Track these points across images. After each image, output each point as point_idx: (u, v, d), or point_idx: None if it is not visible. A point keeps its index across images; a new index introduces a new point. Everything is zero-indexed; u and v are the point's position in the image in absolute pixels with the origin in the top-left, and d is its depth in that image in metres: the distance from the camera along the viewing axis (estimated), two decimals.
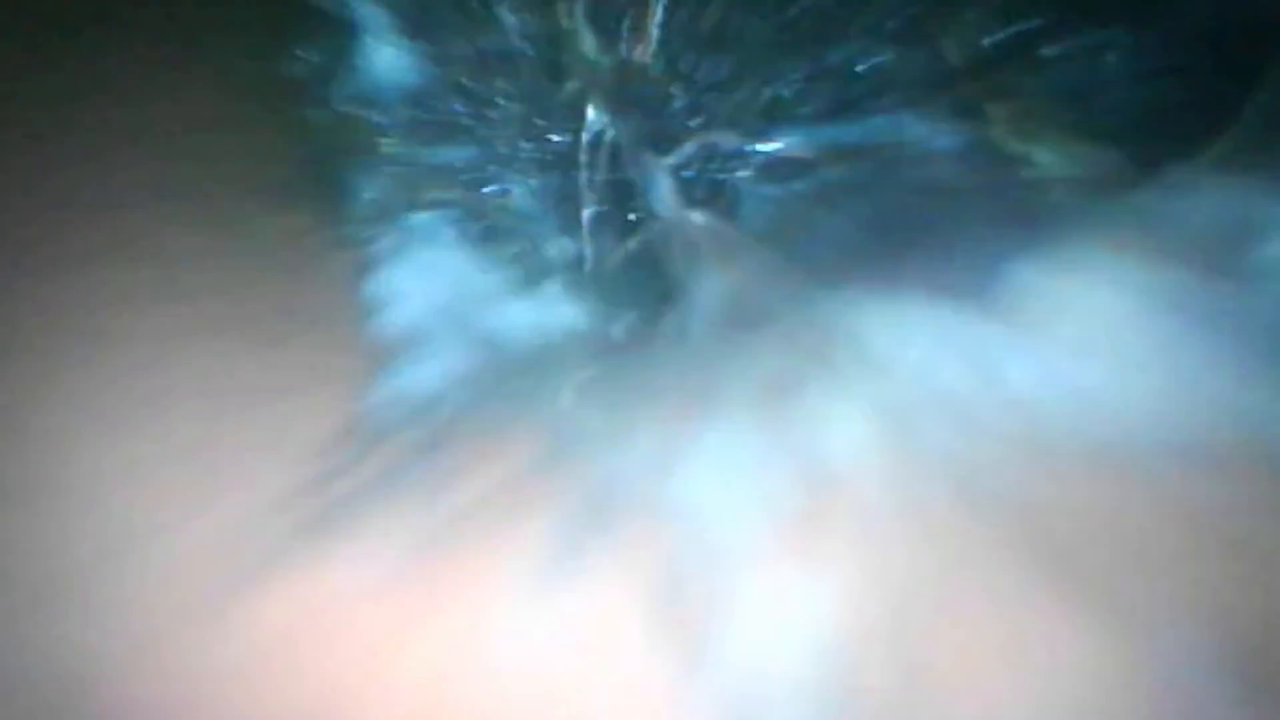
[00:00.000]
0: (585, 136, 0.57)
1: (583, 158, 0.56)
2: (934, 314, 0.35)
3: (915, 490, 0.33)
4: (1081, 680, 0.35)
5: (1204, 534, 0.35)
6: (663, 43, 0.62)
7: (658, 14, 0.63)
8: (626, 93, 0.60)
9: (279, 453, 0.56)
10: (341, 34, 0.77)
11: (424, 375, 0.53)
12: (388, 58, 0.70)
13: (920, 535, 0.36)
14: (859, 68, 0.56)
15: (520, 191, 0.65)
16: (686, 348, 0.43)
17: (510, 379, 0.50)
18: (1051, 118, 0.45)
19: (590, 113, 0.56)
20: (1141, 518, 0.35)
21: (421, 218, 0.64)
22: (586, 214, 0.55)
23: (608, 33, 0.59)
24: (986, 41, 0.51)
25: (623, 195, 0.58)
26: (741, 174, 0.62)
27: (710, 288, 0.45)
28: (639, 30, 0.63)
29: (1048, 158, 0.41)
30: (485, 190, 0.66)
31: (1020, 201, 0.40)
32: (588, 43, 0.56)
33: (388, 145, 0.68)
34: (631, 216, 0.58)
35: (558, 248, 0.61)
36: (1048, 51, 0.45)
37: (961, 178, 0.44)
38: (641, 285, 0.55)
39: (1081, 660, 0.34)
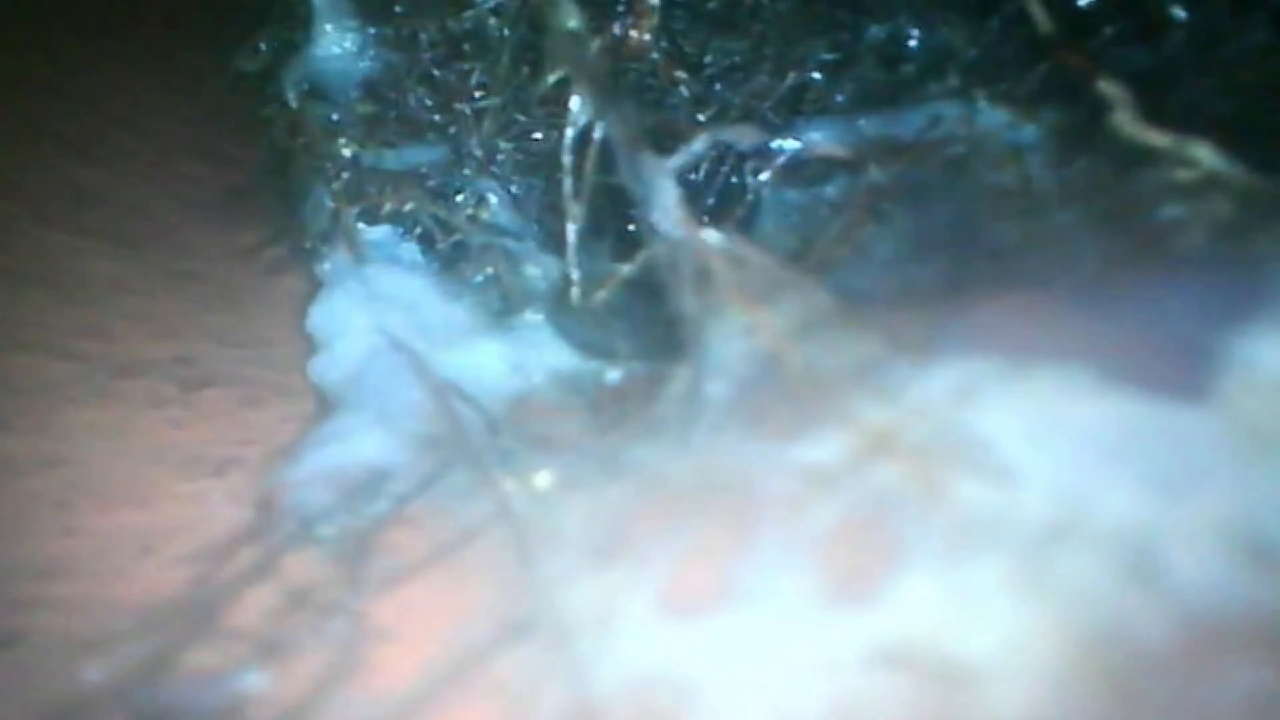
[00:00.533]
0: (571, 133, 0.45)
1: (566, 159, 0.44)
2: (1066, 388, 0.23)
3: None
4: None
5: None
6: (665, 18, 0.51)
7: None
8: (620, 79, 0.49)
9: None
10: (294, 20, 0.66)
11: (361, 445, 0.42)
12: (344, 44, 0.59)
13: None
14: (911, 42, 0.45)
15: (496, 200, 0.54)
16: (701, 429, 0.31)
17: (473, 455, 0.39)
18: (1178, 103, 0.34)
19: (574, 103, 0.45)
20: None
21: (378, 232, 0.53)
22: (572, 229, 0.44)
23: (597, 5, 0.48)
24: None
25: (617, 205, 0.47)
26: (762, 177, 0.51)
27: (729, 336, 0.33)
28: (636, 3, 0.51)
29: (1195, 153, 0.29)
30: (455, 198, 0.55)
31: (1163, 216, 0.28)
32: (572, 17, 0.45)
33: (343, 145, 0.57)
34: (628, 231, 0.47)
35: (539, 269, 0.50)
36: (1178, 11, 0.34)
37: (1064, 181, 0.33)
38: (641, 320, 0.43)
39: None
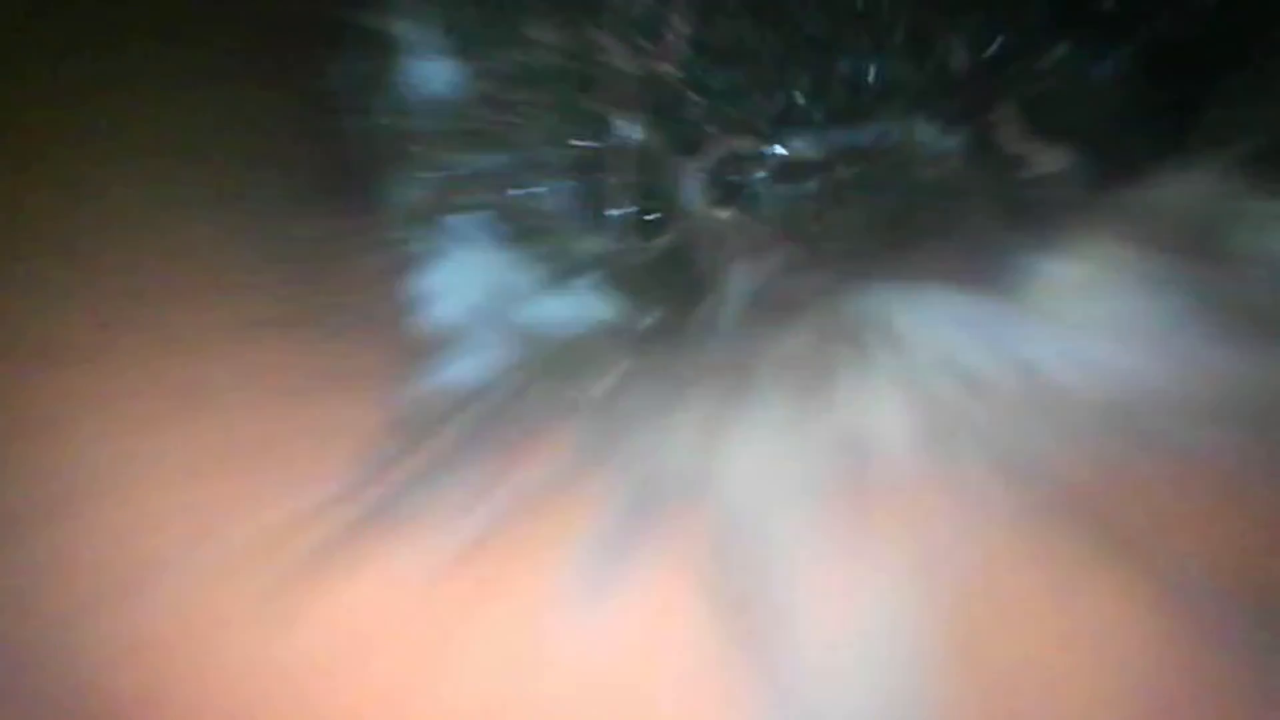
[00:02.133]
0: (613, 142, 0.61)
1: (611, 161, 0.60)
2: (952, 300, 0.39)
3: (950, 464, 0.36)
4: (1130, 642, 0.38)
5: (1223, 493, 0.38)
6: (684, 57, 0.66)
7: (679, 27, 0.67)
8: (651, 101, 0.64)
9: (323, 450, 0.60)
10: (381, 49, 0.81)
11: (465, 369, 0.57)
12: (424, 72, 0.74)
13: (960, 508, 0.39)
14: (868, 76, 0.60)
15: (549, 194, 0.69)
16: (718, 338, 0.48)
17: (549, 372, 0.54)
18: (1045, 121, 0.49)
19: (619, 121, 0.60)
20: (1166, 478, 0.38)
21: (456, 220, 0.69)
22: (615, 214, 0.60)
23: (634, 46, 0.64)
24: (987, 51, 0.56)
25: (651, 196, 0.62)
26: (758, 175, 0.66)
27: (738, 280, 0.49)
28: (661, 42, 0.67)
29: (1045, 158, 0.45)
30: (516, 193, 0.70)
31: (1023, 197, 0.44)
32: (617, 56, 0.61)
33: (423, 153, 0.72)
34: (658, 215, 0.62)
35: (587, 246, 0.65)
36: (1042, 61, 0.50)
37: (967, 177, 0.49)
38: (670, 280, 0.59)
39: (1128, 623, 0.37)
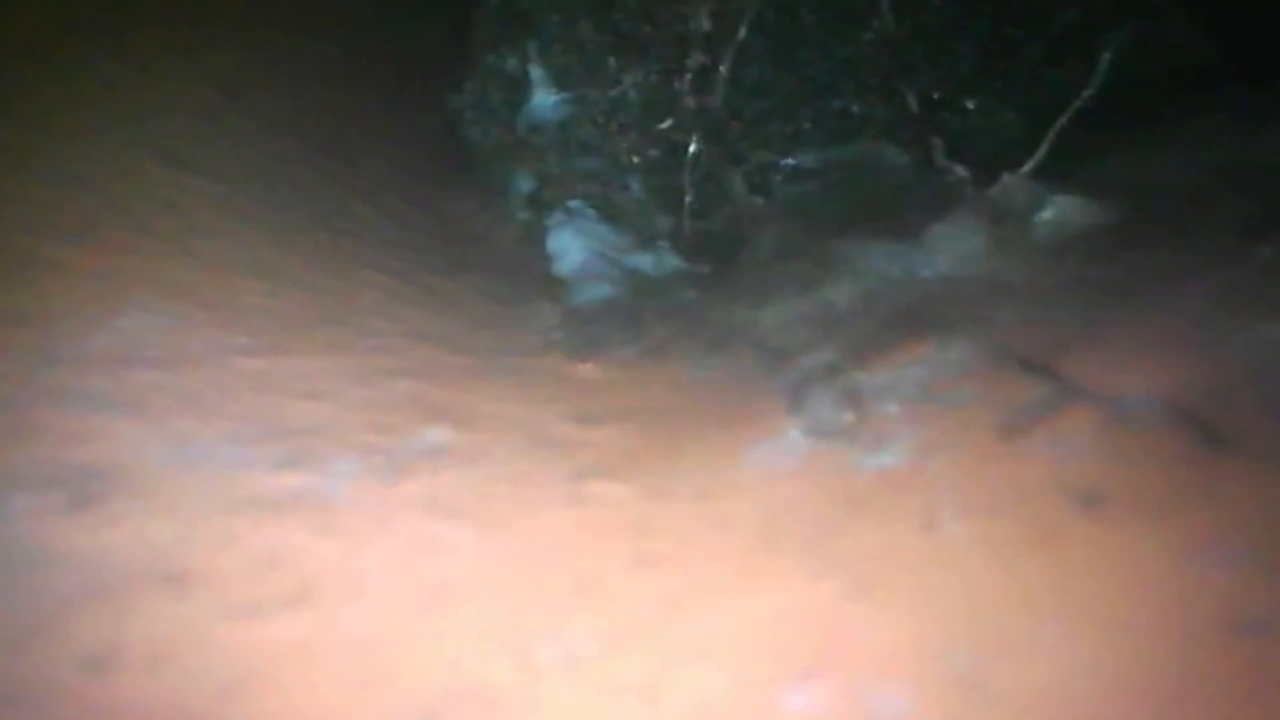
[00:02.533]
0: (679, 153, 0.93)
1: (677, 166, 0.92)
2: (893, 247, 0.69)
3: (881, 318, 0.68)
4: None
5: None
6: (726, 95, 0.99)
7: (723, 74, 0.99)
8: (704, 126, 0.97)
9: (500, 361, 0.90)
10: (500, 80, 1.13)
11: (586, 298, 0.89)
12: (543, 99, 1.05)
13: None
14: (853, 111, 0.93)
15: (635, 187, 1.00)
16: (749, 274, 0.79)
17: (640, 299, 0.86)
18: (960, 147, 0.82)
19: (682, 138, 0.93)
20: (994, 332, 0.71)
21: (574, 203, 1.01)
22: (687, 199, 0.92)
23: (693, 87, 0.96)
24: (935, 95, 0.88)
25: (705, 189, 0.94)
26: (777, 177, 0.98)
27: (763, 240, 0.81)
28: (710, 86, 0.99)
29: (959, 170, 0.78)
30: (611, 188, 1.02)
31: (944, 193, 0.76)
32: (681, 93, 0.93)
33: (544, 156, 1.04)
34: (711, 201, 0.95)
35: (662, 221, 0.97)
36: (962, 107, 0.83)
37: (913, 180, 0.81)
38: (719, 242, 0.91)
39: None
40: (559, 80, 1.05)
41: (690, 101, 0.99)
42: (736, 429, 0.54)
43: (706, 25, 0.94)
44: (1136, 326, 0.53)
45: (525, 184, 1.07)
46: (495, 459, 0.57)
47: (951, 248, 0.68)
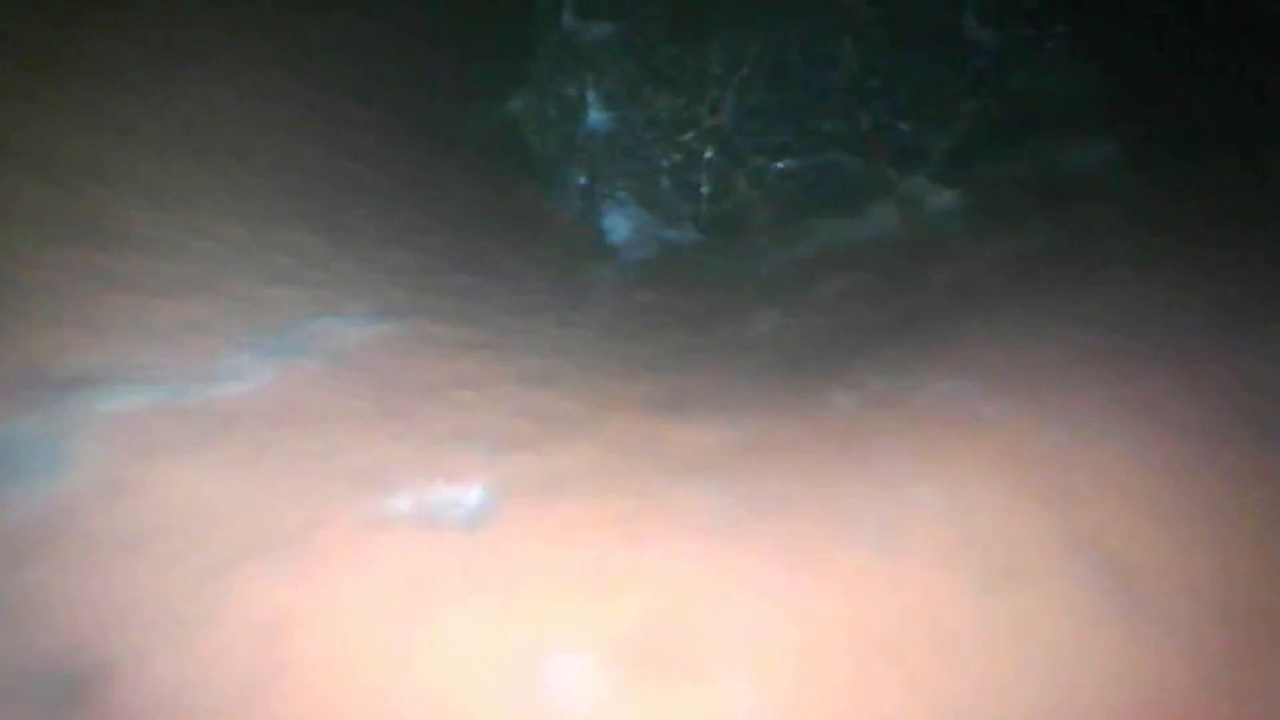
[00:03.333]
0: (698, 157, 1.30)
1: (697, 166, 1.29)
2: (841, 222, 1.06)
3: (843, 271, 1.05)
4: None
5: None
6: (732, 116, 1.35)
7: (730, 99, 1.36)
8: (717, 138, 1.33)
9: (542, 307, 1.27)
10: (573, 106, 1.50)
11: (627, 262, 1.25)
12: (596, 116, 1.41)
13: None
14: (826, 128, 1.29)
15: (667, 183, 1.36)
16: (748, 242, 1.16)
17: (671, 265, 1.22)
18: (897, 156, 1.19)
19: (700, 147, 1.29)
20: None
21: (620, 194, 1.37)
22: (703, 191, 1.28)
23: (708, 109, 1.33)
24: (883, 119, 1.25)
25: (717, 184, 1.31)
26: (770, 176, 1.35)
27: (757, 220, 1.17)
28: (720, 108, 1.36)
29: (893, 174, 1.14)
30: (645, 182, 1.37)
31: (880, 188, 1.12)
32: (699, 113, 1.29)
33: (596, 159, 1.40)
34: (721, 192, 1.31)
35: (685, 207, 1.33)
36: (904, 125, 1.19)
37: (862, 179, 1.18)
38: (727, 222, 1.27)
39: None
40: (608, 103, 1.42)
41: (706, 120, 1.36)
42: (731, 314, 0.90)
43: (718, 67, 1.31)
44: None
45: (579, 180, 1.43)
46: (592, 345, 0.93)
47: (878, 222, 1.04)
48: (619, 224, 1.30)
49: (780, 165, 1.36)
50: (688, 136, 1.36)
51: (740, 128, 1.37)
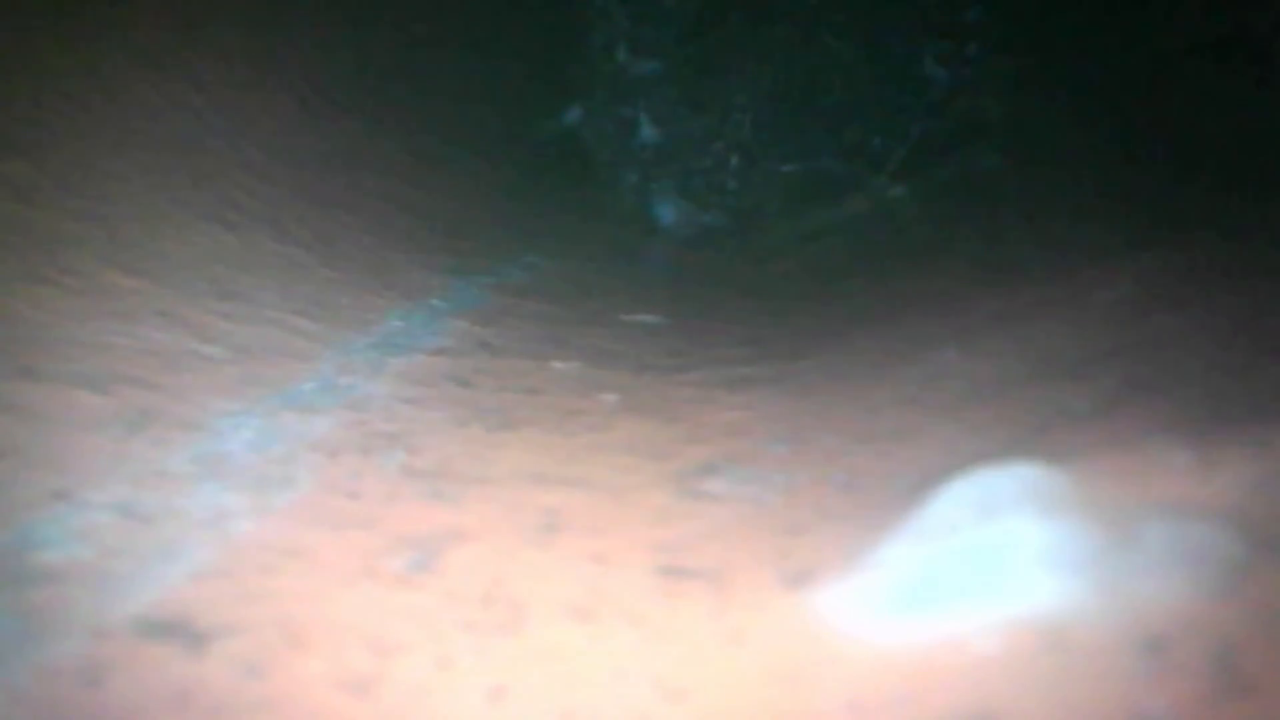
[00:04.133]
0: (727, 163, 1.78)
1: (731, 169, 1.77)
2: (830, 207, 1.52)
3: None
4: None
5: None
6: (750, 133, 1.83)
7: (748, 119, 1.85)
8: (741, 149, 1.81)
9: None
10: (628, 123, 1.98)
11: (682, 235, 1.73)
12: (646, 131, 1.88)
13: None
14: (818, 141, 1.78)
15: (702, 181, 1.84)
16: (762, 223, 1.64)
17: (709, 236, 1.70)
18: (872, 162, 1.67)
19: (727, 154, 1.78)
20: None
21: (667, 190, 1.84)
22: (730, 186, 1.77)
23: (732, 128, 1.81)
24: (863, 136, 1.73)
25: (740, 182, 1.79)
26: (776, 178, 1.83)
27: (772, 207, 1.65)
28: (744, 128, 1.84)
29: (865, 173, 1.62)
30: (686, 180, 1.84)
31: (856, 184, 1.59)
32: (730, 132, 1.78)
33: (647, 165, 1.87)
34: (743, 188, 1.80)
35: (718, 199, 1.81)
36: (875, 140, 1.67)
37: (845, 179, 1.66)
38: (749, 210, 1.76)
39: None
40: (657, 122, 1.90)
41: (731, 135, 1.84)
42: (751, 266, 1.39)
43: (740, 96, 1.79)
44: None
45: (632, 179, 1.90)
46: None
47: (854, 207, 1.52)
48: (667, 213, 1.78)
49: (786, 169, 1.83)
50: (717, 146, 1.83)
51: (756, 140, 1.84)
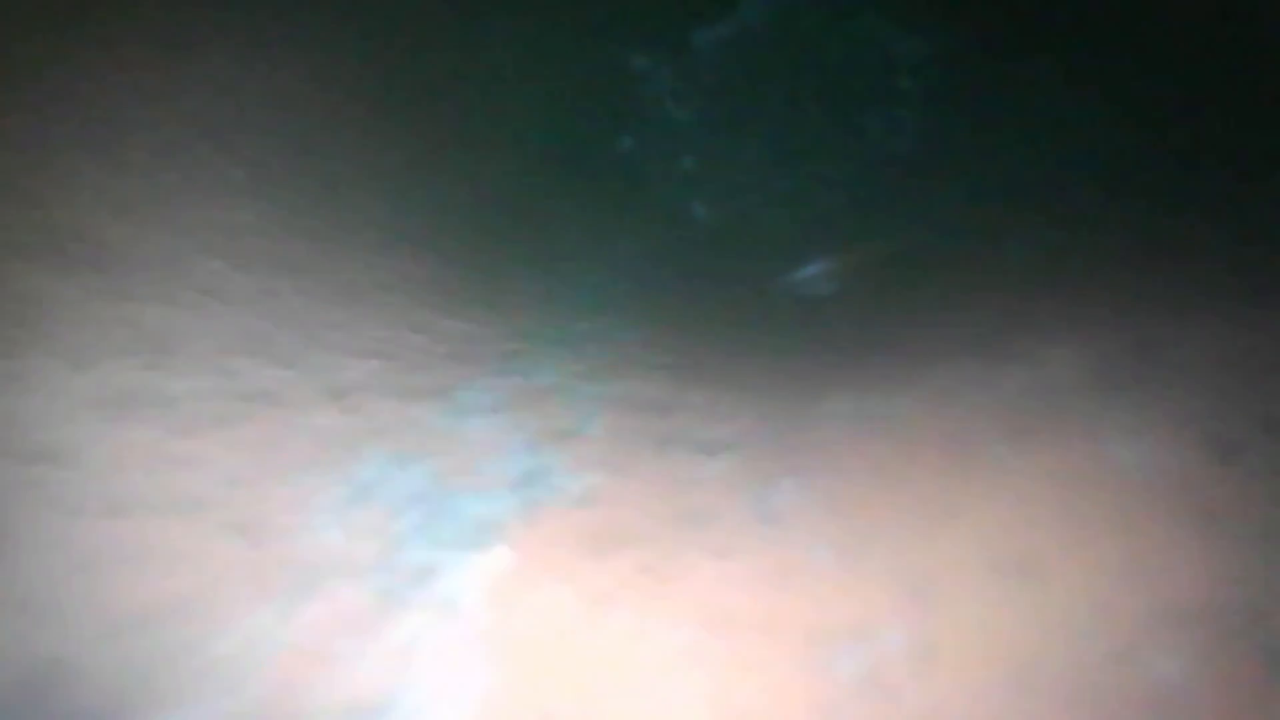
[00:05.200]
0: (748, 189, 2.81)
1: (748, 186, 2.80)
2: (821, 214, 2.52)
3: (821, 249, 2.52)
4: None
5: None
6: (760, 170, 2.85)
7: (761, 162, 2.89)
8: (757, 181, 2.85)
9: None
10: (674, 155, 2.98)
11: (720, 225, 2.75)
12: (693, 163, 2.87)
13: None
14: (806, 175, 2.84)
15: (734, 201, 2.83)
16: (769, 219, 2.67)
17: (732, 232, 2.73)
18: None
19: (744, 179, 2.80)
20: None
21: (709, 200, 2.85)
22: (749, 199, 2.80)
23: (752, 163, 2.85)
24: (826, 174, 2.77)
25: (758, 199, 2.83)
26: (777, 197, 2.85)
27: (774, 215, 2.68)
28: (756, 165, 2.87)
29: (829, 201, 2.66)
30: (723, 197, 2.83)
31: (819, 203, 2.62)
32: (747, 162, 2.81)
33: (689, 188, 2.87)
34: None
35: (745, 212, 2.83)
36: (835, 176, 2.72)
37: (818, 200, 2.70)
38: (763, 216, 2.80)
39: None
40: (700, 155, 2.92)
41: (750, 174, 2.86)
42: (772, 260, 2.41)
43: (754, 147, 2.83)
44: None
45: (676, 196, 2.91)
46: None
47: (825, 222, 2.56)
48: (705, 218, 2.80)
49: (784, 191, 2.85)
50: (741, 179, 2.84)
51: (765, 175, 2.86)
